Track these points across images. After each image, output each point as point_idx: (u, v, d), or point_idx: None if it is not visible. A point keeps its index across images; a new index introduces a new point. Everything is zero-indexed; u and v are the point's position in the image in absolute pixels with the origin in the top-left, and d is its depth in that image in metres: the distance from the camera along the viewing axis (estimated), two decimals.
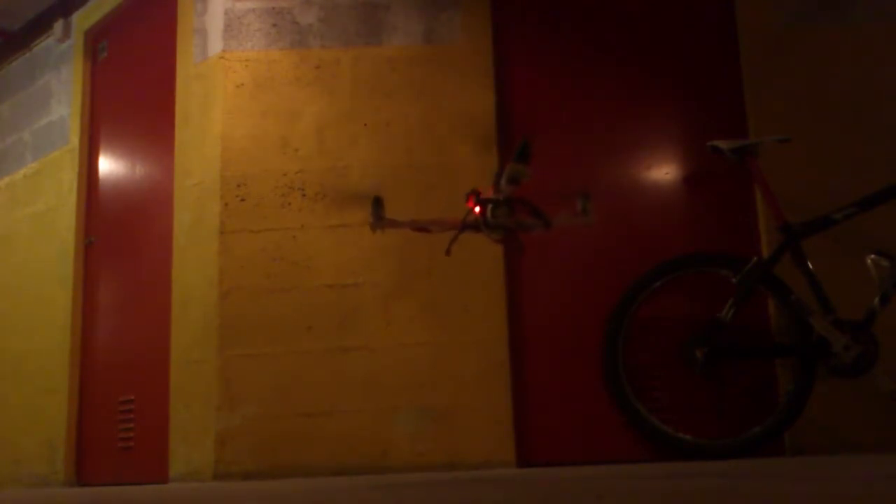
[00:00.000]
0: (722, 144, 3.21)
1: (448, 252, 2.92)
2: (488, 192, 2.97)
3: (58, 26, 4.69)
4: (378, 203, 2.95)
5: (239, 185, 3.61)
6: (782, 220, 3.12)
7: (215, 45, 3.76)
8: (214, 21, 3.79)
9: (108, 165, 4.36)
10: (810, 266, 3.08)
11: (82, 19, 4.61)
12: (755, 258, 3.14)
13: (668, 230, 3.46)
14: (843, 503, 1.17)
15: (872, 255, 3.07)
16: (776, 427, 3.07)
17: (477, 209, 2.94)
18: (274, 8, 3.75)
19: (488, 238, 3.02)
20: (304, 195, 3.58)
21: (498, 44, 3.66)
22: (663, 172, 3.51)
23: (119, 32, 4.45)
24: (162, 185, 4.00)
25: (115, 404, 4.00)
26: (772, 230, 3.32)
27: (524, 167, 2.84)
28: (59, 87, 4.70)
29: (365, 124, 3.62)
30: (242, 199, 3.59)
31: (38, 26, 4.92)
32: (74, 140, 4.48)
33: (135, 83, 4.29)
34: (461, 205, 3.49)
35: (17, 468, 4.39)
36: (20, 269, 4.69)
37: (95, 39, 4.59)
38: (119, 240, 4.19)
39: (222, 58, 3.72)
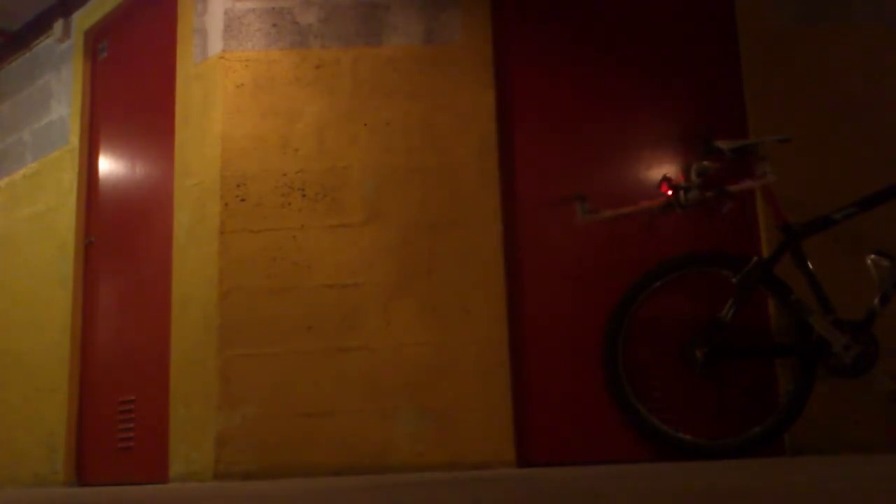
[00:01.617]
0: (722, 144, 3.21)
1: (648, 231, 3.33)
2: (679, 179, 3.30)
3: (58, 26, 4.69)
4: (582, 199, 3.33)
5: (239, 185, 3.61)
6: (782, 220, 3.12)
7: (215, 45, 3.76)
8: (214, 21, 3.79)
9: (108, 165, 4.36)
10: (810, 266, 3.08)
11: (82, 19, 4.61)
12: (755, 258, 3.14)
13: (668, 230, 3.46)
14: (843, 503, 1.17)
15: (872, 255, 3.08)
16: (776, 427, 3.07)
17: (669, 192, 3.25)
18: (274, 8, 3.75)
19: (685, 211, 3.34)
20: (304, 195, 3.58)
21: (498, 44, 3.66)
22: (663, 172, 3.51)
23: (119, 32, 4.45)
24: (162, 185, 4.00)
25: (115, 404, 4.00)
26: (772, 230, 3.32)
27: (711, 163, 3.18)
28: (59, 87, 4.70)
29: (365, 124, 3.62)
30: (242, 199, 3.60)
31: (38, 26, 4.92)
32: (74, 140, 4.48)
33: (135, 83, 4.29)
34: (461, 204, 3.50)
35: (17, 468, 4.39)
36: (20, 269, 4.69)
37: (95, 39, 4.59)
38: (119, 240, 4.19)
39: (222, 58, 3.72)
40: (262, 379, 3.43)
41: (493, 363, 3.38)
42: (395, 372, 3.40)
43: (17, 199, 4.85)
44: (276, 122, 3.65)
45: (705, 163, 3.24)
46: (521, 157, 3.58)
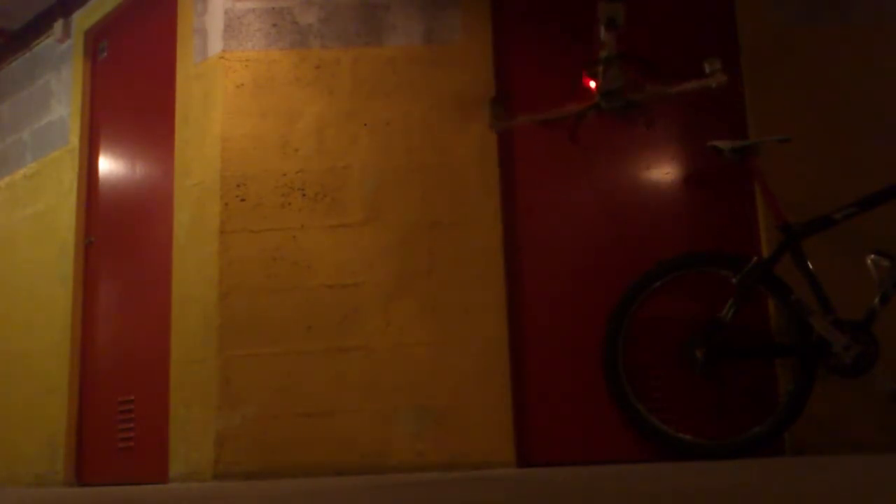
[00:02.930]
0: (722, 144, 3.21)
1: (573, 139, 2.77)
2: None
3: (58, 26, 4.69)
4: (497, 103, 2.83)
5: (239, 185, 3.61)
6: (782, 220, 3.12)
7: (215, 45, 3.76)
8: (214, 21, 3.79)
9: (108, 165, 4.36)
10: (810, 266, 3.08)
11: (82, 19, 4.61)
12: (755, 258, 3.13)
13: (668, 230, 3.46)
14: (843, 503, 1.17)
15: (872, 255, 3.07)
16: (776, 427, 3.07)
17: (592, 84, 2.78)
18: (274, 8, 3.75)
19: (615, 115, 2.85)
20: (304, 195, 3.58)
21: (498, 44, 3.66)
22: (663, 172, 3.51)
23: (119, 32, 4.45)
24: (162, 185, 4.00)
25: (115, 404, 4.00)
26: (772, 230, 3.32)
27: (618, 5, 2.66)
28: (59, 87, 4.70)
29: (365, 124, 3.62)
30: (242, 199, 3.60)
31: (38, 26, 4.92)
32: (74, 140, 4.48)
33: (135, 83, 4.29)
34: (461, 204, 3.50)
35: (17, 468, 4.39)
36: (20, 269, 4.69)
37: (95, 39, 4.59)
38: (119, 240, 4.19)
39: (222, 58, 3.72)
40: (262, 379, 3.43)
41: (493, 363, 3.37)
42: (395, 372, 3.40)
43: (17, 199, 4.85)
44: (276, 122, 3.65)
45: (611, 4, 2.66)
46: (521, 157, 3.58)
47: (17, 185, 4.89)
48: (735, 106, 3.51)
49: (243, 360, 3.46)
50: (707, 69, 2.76)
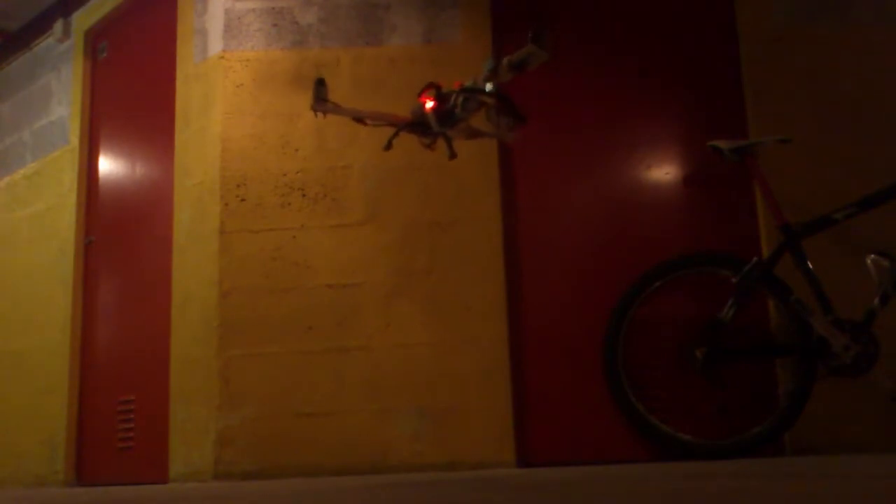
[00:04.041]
0: (722, 144, 3.21)
1: (387, 147, 2.66)
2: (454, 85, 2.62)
3: (58, 26, 4.69)
4: (321, 84, 2.73)
5: (239, 185, 3.60)
6: (782, 220, 3.12)
7: (215, 45, 3.76)
8: (214, 21, 3.79)
9: (108, 165, 4.36)
10: (810, 266, 3.08)
11: (82, 19, 4.61)
12: (755, 258, 3.13)
13: (668, 230, 3.46)
14: (842, 503, 1.17)
15: (872, 255, 3.07)
16: (776, 427, 3.07)
17: (429, 105, 2.58)
18: (274, 8, 3.75)
19: (422, 140, 2.70)
20: (304, 195, 3.58)
21: (498, 43, 3.66)
22: (663, 172, 3.51)
23: (119, 32, 4.45)
24: (162, 185, 4.00)
25: (115, 404, 4.00)
26: (772, 230, 3.32)
27: (542, 51, 2.44)
28: (59, 87, 4.70)
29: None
30: (242, 199, 3.59)
31: (38, 26, 4.92)
32: (74, 140, 4.48)
33: (135, 83, 4.29)
34: (461, 204, 3.50)
35: (17, 468, 4.39)
36: (20, 268, 4.69)
37: (95, 39, 4.59)
38: (119, 240, 4.19)
39: (222, 58, 3.72)
40: (262, 379, 3.43)
41: (493, 363, 3.37)
42: (395, 372, 3.40)
43: (17, 199, 4.85)
44: (276, 122, 3.65)
45: (536, 49, 2.42)
46: (521, 157, 3.58)
47: (17, 185, 4.89)
48: (735, 106, 3.51)
49: (243, 360, 3.46)
50: (530, 36, 2.53)
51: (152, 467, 3.72)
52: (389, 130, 3.09)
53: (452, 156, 2.56)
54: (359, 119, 2.70)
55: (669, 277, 3.25)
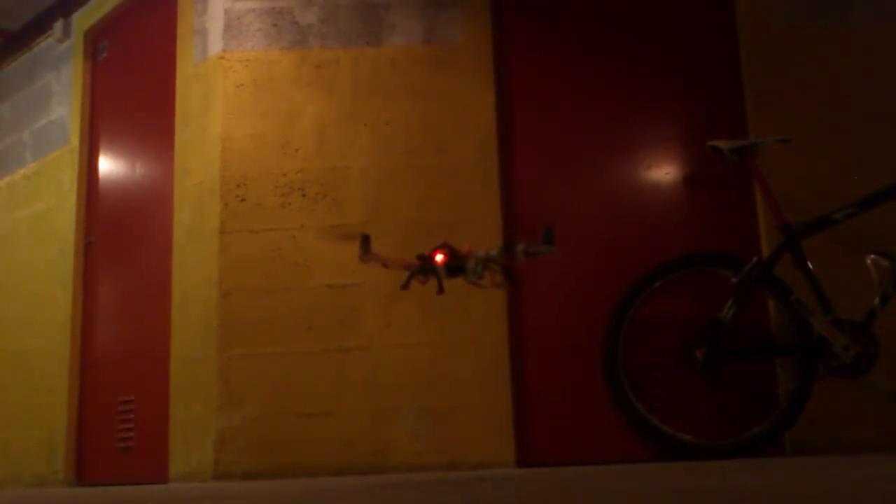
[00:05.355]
0: (722, 144, 3.21)
1: (404, 286, 2.97)
2: (464, 252, 2.97)
3: (58, 26, 4.69)
4: (366, 239, 3.04)
5: (239, 185, 3.61)
6: (782, 220, 3.12)
7: (215, 45, 3.76)
8: (214, 21, 3.79)
9: (108, 165, 4.36)
10: (810, 266, 3.08)
11: (82, 19, 4.61)
12: (755, 258, 3.13)
13: (668, 230, 3.46)
14: (843, 503, 1.17)
15: (872, 255, 3.07)
16: (776, 427, 3.07)
17: (439, 258, 2.93)
18: (274, 8, 3.75)
19: (419, 278, 3.02)
20: (304, 195, 3.58)
21: (498, 43, 3.66)
22: (663, 172, 3.51)
23: (119, 32, 4.45)
24: (162, 185, 4.00)
25: (115, 404, 4.00)
26: (772, 230, 3.32)
27: (551, 247, 2.90)
28: (59, 87, 4.70)
29: (365, 124, 3.62)
30: (242, 199, 3.60)
31: (38, 26, 4.92)
32: (74, 140, 4.48)
33: (135, 83, 4.29)
34: (461, 204, 3.50)
35: (17, 468, 4.39)
36: (20, 269, 4.69)
37: (95, 39, 4.59)
38: (119, 240, 4.19)
39: (222, 58, 3.72)
40: (262, 379, 3.43)
41: (492, 363, 3.37)
42: (395, 372, 3.40)
43: (17, 199, 4.85)
44: (276, 122, 3.65)
45: (545, 248, 2.86)
46: (521, 157, 3.58)
47: (17, 185, 4.89)
48: (735, 106, 3.51)
49: (243, 360, 3.46)
50: (543, 237, 2.91)
51: (152, 467, 3.72)
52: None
53: (441, 291, 2.96)
54: (384, 265, 3.12)
55: (669, 277, 3.25)
